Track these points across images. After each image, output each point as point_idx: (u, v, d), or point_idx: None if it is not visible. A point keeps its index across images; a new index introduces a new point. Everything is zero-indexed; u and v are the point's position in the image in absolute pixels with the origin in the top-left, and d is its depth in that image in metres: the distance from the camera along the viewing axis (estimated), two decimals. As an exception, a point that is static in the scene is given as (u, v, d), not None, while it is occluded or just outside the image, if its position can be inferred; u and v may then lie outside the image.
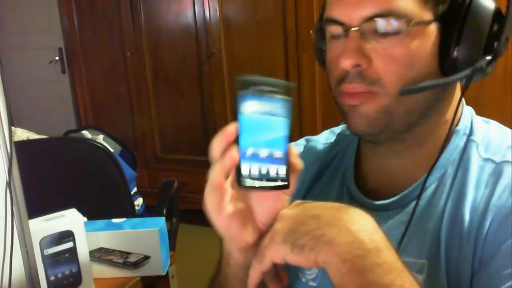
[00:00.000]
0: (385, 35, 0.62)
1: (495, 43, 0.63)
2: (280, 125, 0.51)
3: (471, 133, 0.69)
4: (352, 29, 0.63)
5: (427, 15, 0.62)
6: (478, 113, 0.73)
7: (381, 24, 0.62)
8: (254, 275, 0.56)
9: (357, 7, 0.62)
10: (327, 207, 0.55)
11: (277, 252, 0.53)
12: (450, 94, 0.69)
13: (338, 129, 0.85)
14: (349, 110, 0.67)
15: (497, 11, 0.63)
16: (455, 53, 0.63)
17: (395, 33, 0.62)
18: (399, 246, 0.64)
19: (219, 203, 0.54)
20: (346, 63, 0.63)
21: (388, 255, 0.51)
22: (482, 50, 0.63)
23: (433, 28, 0.63)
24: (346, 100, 0.66)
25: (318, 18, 0.72)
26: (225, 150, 0.52)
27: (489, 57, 0.63)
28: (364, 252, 0.50)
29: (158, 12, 3.21)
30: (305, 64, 2.72)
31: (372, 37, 0.63)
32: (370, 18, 0.62)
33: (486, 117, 0.73)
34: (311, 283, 0.73)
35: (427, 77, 0.63)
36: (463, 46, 0.62)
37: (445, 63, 0.64)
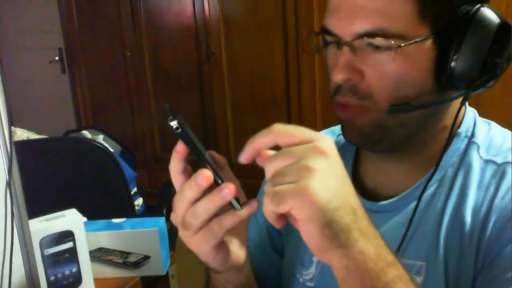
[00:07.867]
0: (378, 51, 0.61)
1: (497, 60, 0.60)
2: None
3: (472, 135, 0.68)
4: (344, 44, 0.62)
5: (424, 31, 0.60)
6: (478, 113, 0.72)
7: (373, 41, 0.60)
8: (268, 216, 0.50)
9: (349, 22, 0.61)
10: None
11: (308, 214, 0.46)
12: (449, 103, 0.67)
13: (338, 128, 0.84)
14: (344, 121, 0.67)
15: (504, 26, 0.61)
16: (452, 70, 0.61)
17: (388, 49, 0.60)
18: (398, 248, 0.64)
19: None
20: (337, 77, 0.63)
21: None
22: (481, 66, 0.61)
23: (429, 44, 0.61)
24: (339, 113, 0.66)
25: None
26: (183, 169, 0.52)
27: (488, 76, 0.61)
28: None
29: (158, 12, 3.21)
30: (305, 64, 2.72)
31: (365, 52, 0.62)
32: (361, 36, 0.60)
33: (486, 117, 0.72)
34: (308, 283, 0.73)
35: (422, 93, 0.62)
36: (461, 62, 0.60)
37: (442, 79, 0.62)
